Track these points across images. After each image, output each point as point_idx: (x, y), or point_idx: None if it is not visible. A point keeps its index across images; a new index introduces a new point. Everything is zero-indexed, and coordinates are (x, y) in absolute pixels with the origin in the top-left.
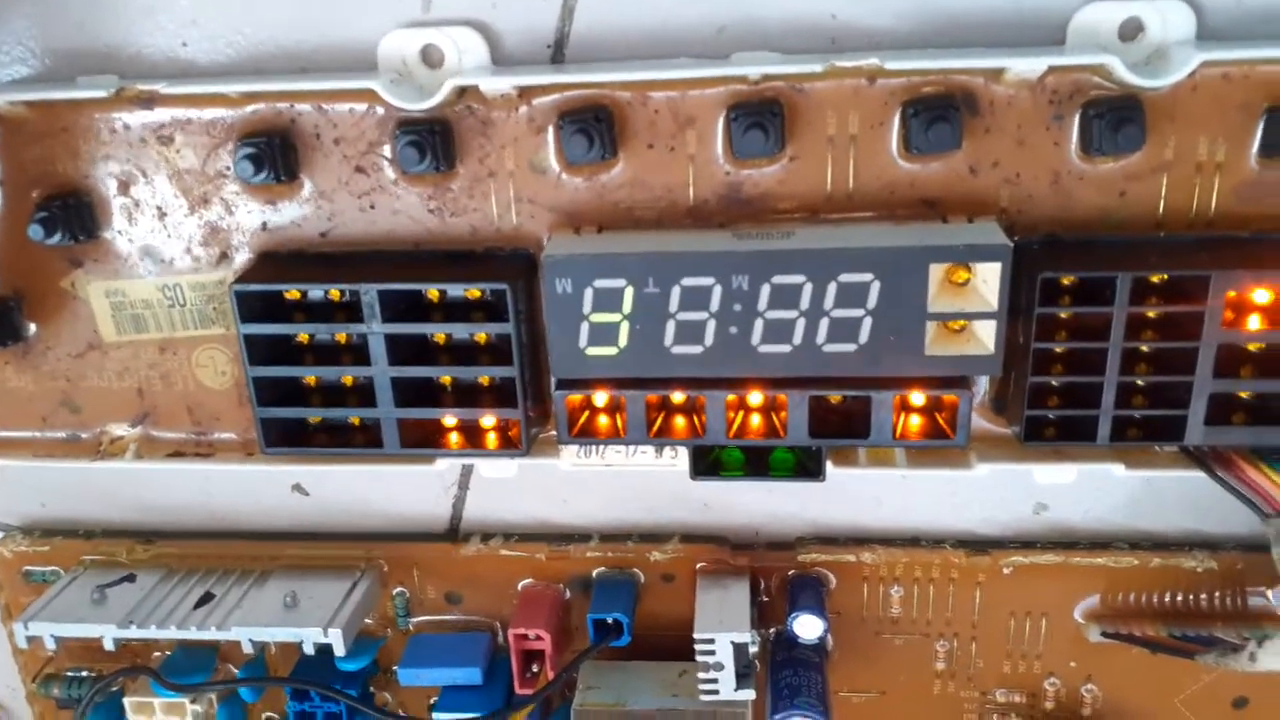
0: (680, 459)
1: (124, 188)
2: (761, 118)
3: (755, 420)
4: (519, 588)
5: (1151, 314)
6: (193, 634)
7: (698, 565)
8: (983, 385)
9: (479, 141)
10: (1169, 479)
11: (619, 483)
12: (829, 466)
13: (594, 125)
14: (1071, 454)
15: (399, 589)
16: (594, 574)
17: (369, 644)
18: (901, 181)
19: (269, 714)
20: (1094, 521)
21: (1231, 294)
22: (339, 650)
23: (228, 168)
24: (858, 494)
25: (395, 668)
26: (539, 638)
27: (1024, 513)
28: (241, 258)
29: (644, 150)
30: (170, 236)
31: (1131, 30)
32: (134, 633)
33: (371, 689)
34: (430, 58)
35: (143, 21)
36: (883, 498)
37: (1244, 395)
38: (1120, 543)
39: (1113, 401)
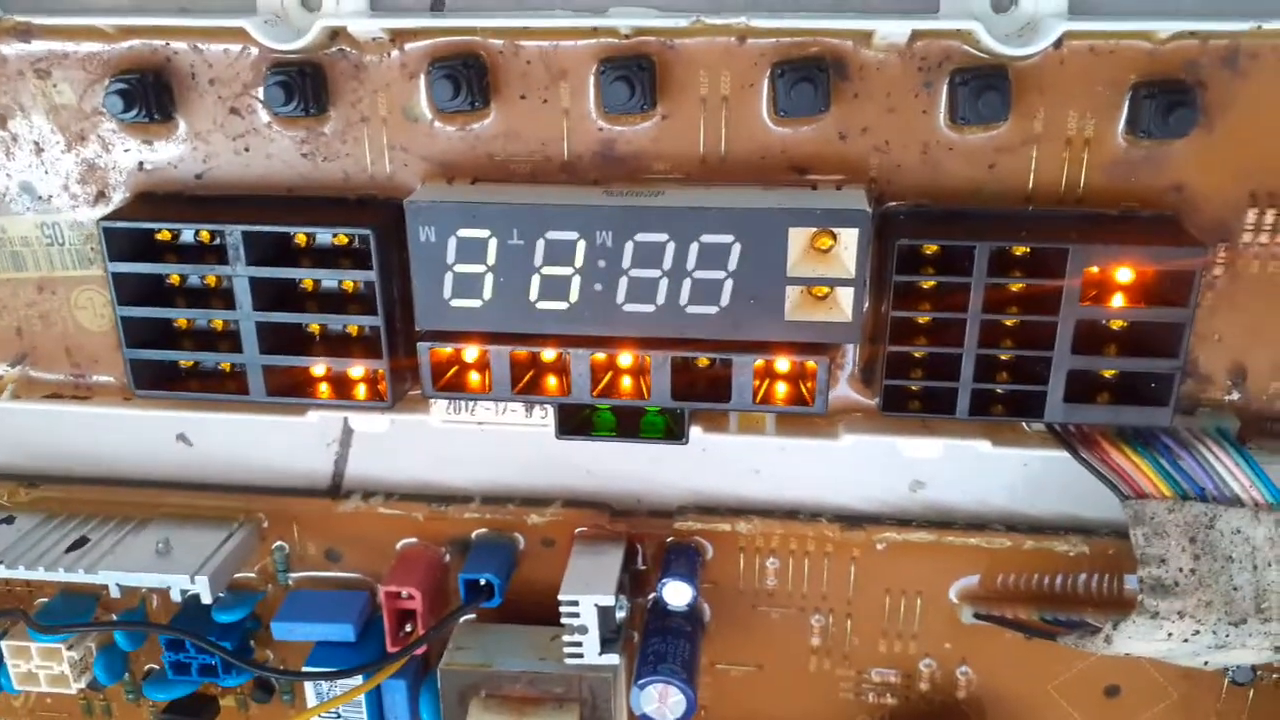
0: (552, 419)
1: (1, 121)
2: (629, 71)
3: (626, 381)
4: (398, 547)
5: (1013, 287)
6: (60, 576)
7: (576, 530)
8: (852, 356)
9: (351, 85)
10: (1044, 460)
11: (502, 446)
12: (700, 432)
13: (462, 72)
14: (936, 428)
15: (279, 543)
16: (473, 536)
17: (247, 597)
18: (773, 146)
19: (150, 664)
20: (971, 502)
21: (1093, 270)
22: (205, 598)
23: (104, 100)
24: (738, 464)
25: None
26: (410, 597)
27: (901, 490)
28: (119, 197)
29: (517, 101)
30: (48, 173)
31: (1004, 2)
32: (2, 573)
33: (252, 643)
34: (309, 2)
35: None
36: (762, 469)
37: (1107, 374)
38: (996, 524)
39: (972, 374)
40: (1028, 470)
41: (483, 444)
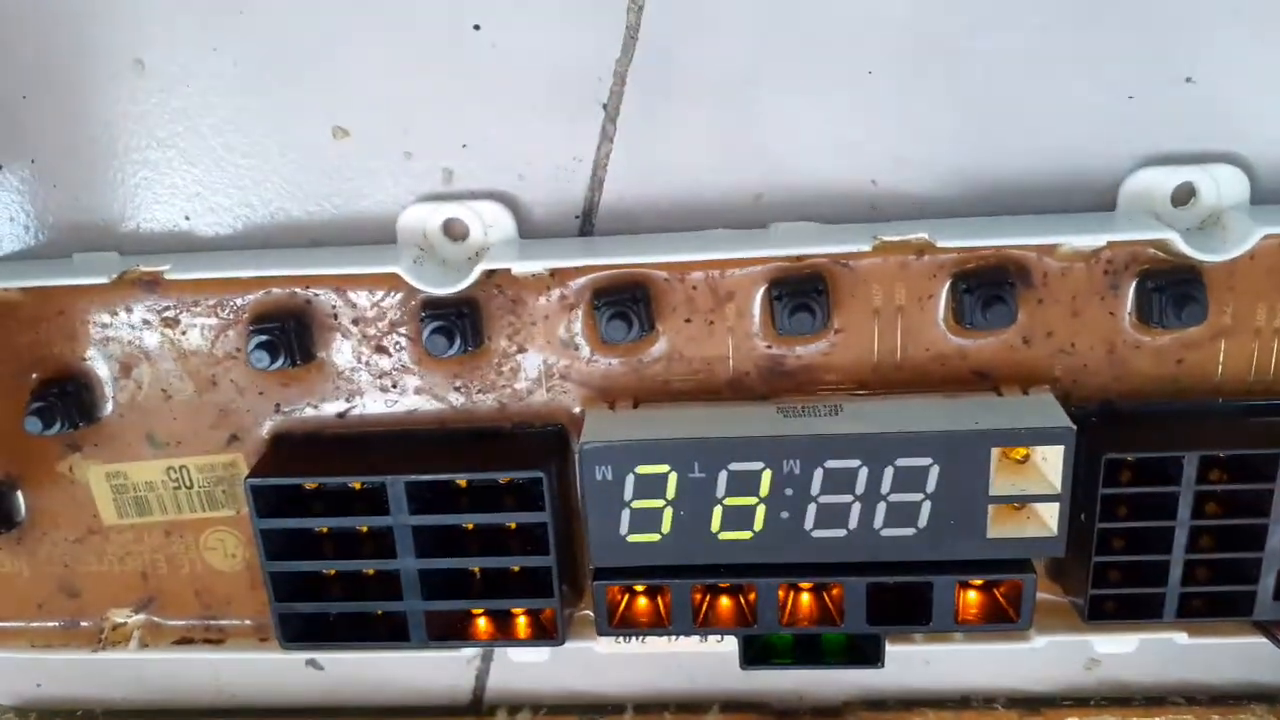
0: (725, 640)
1: (125, 370)
2: (807, 298)
3: (805, 600)
4: None
5: (1218, 489)
6: None
7: None
8: None
9: (508, 319)
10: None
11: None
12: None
13: (631, 306)
14: (1138, 626)
15: None
16: None
17: None
18: (951, 353)
19: None
20: (1147, 675)
21: None
22: None
23: (238, 349)
24: (906, 655)
25: None
26: None
27: (1076, 667)
28: (253, 439)
29: (681, 325)
30: (175, 419)
31: (1184, 195)
32: None
33: None
34: (453, 231)
35: (142, 194)
36: (932, 658)
37: None
38: (1176, 697)
39: (1179, 578)
40: (1209, 645)
41: (639, 656)
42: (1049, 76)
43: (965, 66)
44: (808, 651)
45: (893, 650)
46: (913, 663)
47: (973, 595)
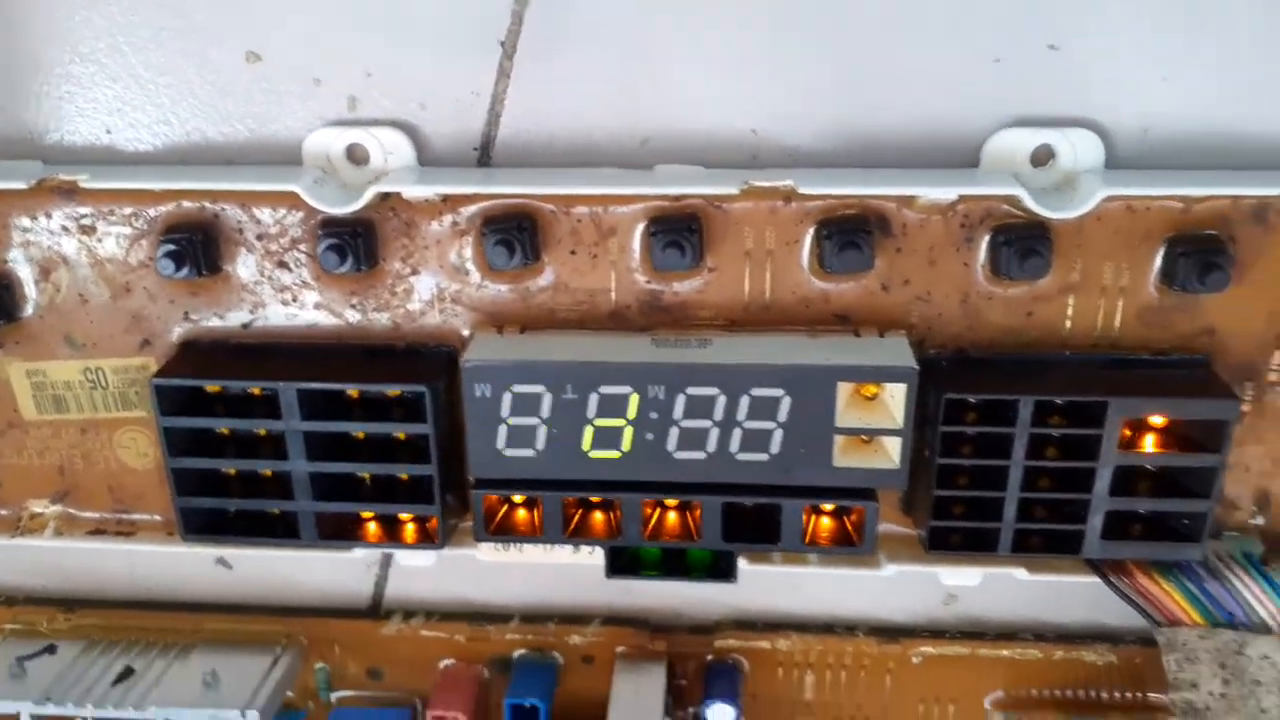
0: (598, 554)
1: (45, 273)
2: (679, 235)
3: (671, 518)
4: (440, 667)
5: (1053, 432)
6: (111, 713)
7: (618, 649)
8: None
9: (402, 241)
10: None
11: (543, 569)
12: (743, 563)
13: (516, 234)
14: (977, 559)
15: (320, 664)
16: (514, 655)
17: (290, 717)
18: (815, 296)
19: None
20: (1001, 613)
21: (1129, 419)
22: None
23: (150, 258)
24: (776, 580)
25: None
26: (457, 719)
27: (934, 602)
28: (164, 344)
29: (566, 256)
30: (92, 322)
31: (1043, 156)
32: (51, 710)
33: None
34: (356, 155)
35: (65, 107)
36: (800, 584)
37: (1141, 510)
38: (1026, 633)
39: (1014, 515)
40: (1056, 585)
41: (524, 568)
42: (920, 37)
43: (841, 25)
44: (673, 567)
45: (762, 575)
46: (782, 588)
47: (826, 521)
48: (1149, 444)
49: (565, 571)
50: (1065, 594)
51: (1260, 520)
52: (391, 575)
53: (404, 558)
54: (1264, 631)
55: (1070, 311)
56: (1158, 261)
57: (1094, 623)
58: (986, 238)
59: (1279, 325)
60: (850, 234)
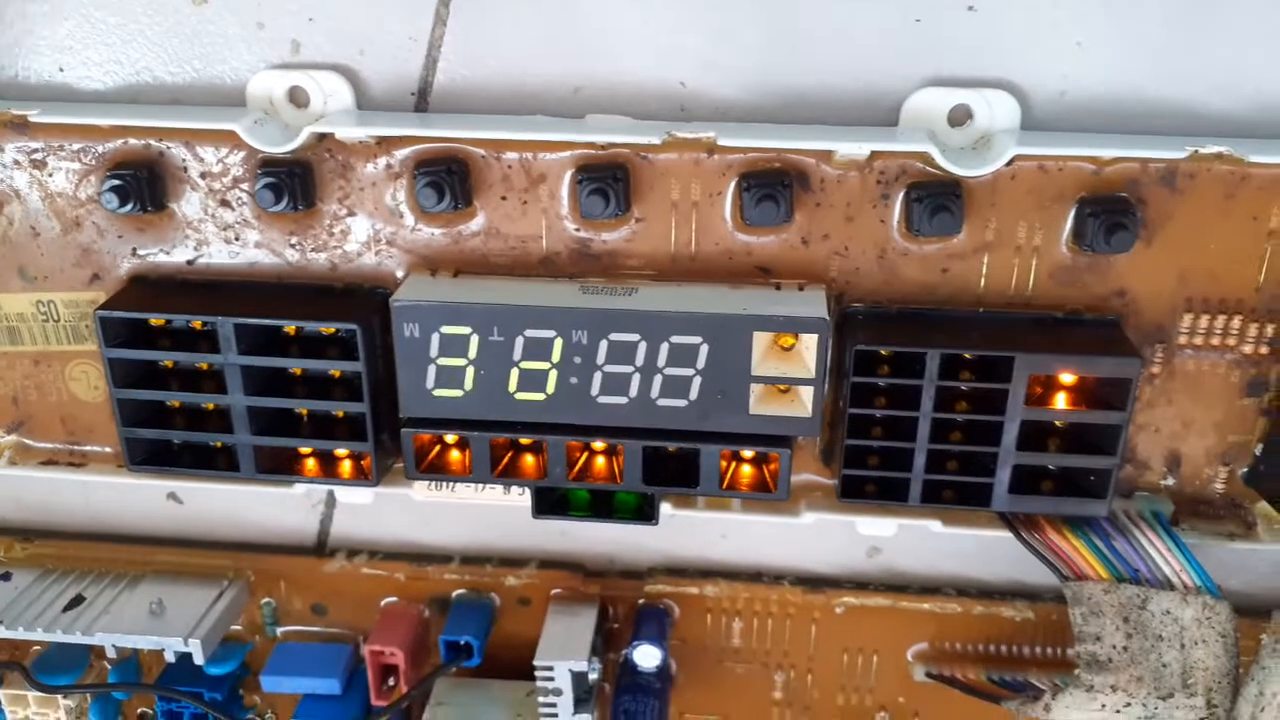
0: (529, 495)
1: None
2: (604, 183)
3: (599, 461)
4: (381, 604)
5: (963, 386)
6: (58, 637)
7: (552, 591)
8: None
9: (339, 183)
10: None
11: (480, 511)
12: (670, 509)
13: (446, 178)
14: (892, 509)
15: (266, 599)
16: (453, 595)
17: (236, 649)
18: (738, 249)
19: (142, 709)
20: (924, 567)
21: (1036, 374)
22: (198, 659)
23: (98, 193)
24: (706, 529)
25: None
26: (394, 654)
27: (859, 554)
28: (113, 279)
29: (498, 202)
30: (43, 255)
31: (960, 116)
32: (2, 633)
33: (241, 691)
34: (297, 98)
35: (20, 44)
36: (729, 534)
37: (1050, 466)
38: (948, 588)
39: (923, 466)
40: (978, 541)
41: (462, 510)
42: None
43: None
44: (600, 508)
45: (692, 522)
46: (712, 537)
47: (746, 469)
48: (1060, 402)
49: (504, 515)
50: (986, 551)
51: (1170, 481)
52: (336, 515)
53: (345, 495)
54: (1167, 588)
55: (985, 269)
56: (1069, 222)
57: (1015, 580)
58: (901, 194)
59: (1187, 288)
60: (768, 187)
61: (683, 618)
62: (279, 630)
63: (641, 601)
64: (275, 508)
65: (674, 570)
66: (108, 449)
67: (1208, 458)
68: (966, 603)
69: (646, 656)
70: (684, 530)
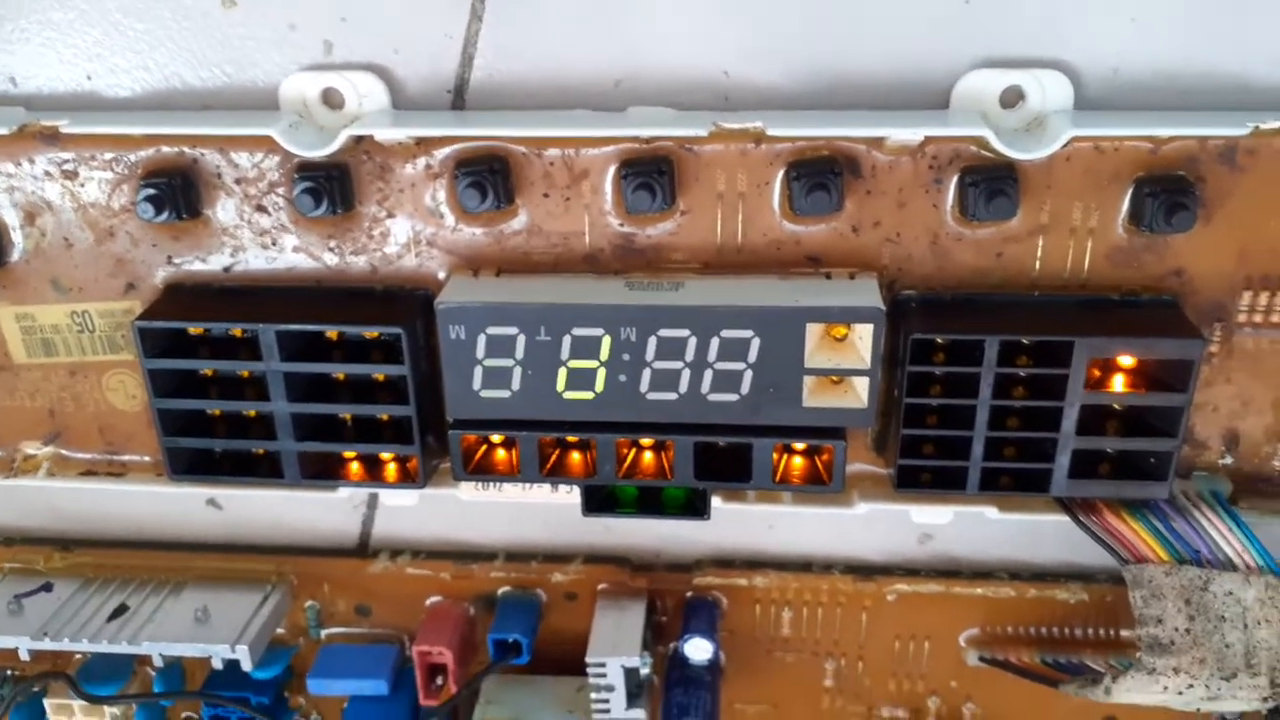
0: (578, 493)
1: (30, 218)
2: (650, 177)
3: (647, 457)
4: (426, 604)
5: (1021, 372)
6: (107, 648)
7: (599, 586)
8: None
9: (377, 185)
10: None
11: (523, 506)
12: (719, 502)
13: (488, 177)
14: (947, 497)
15: (310, 602)
16: (498, 593)
17: (281, 652)
18: (787, 239)
19: (187, 714)
20: (975, 552)
21: (1095, 358)
22: (246, 666)
23: (132, 202)
24: (752, 519)
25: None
26: (442, 654)
27: (909, 541)
28: (148, 288)
29: (540, 199)
30: (77, 266)
31: (1012, 98)
32: (48, 645)
33: (286, 693)
34: (331, 100)
35: (47, 53)
36: (776, 524)
37: (1109, 450)
38: (1000, 572)
39: (981, 454)
40: (1030, 525)
41: (505, 508)
42: None
43: None
44: (649, 505)
45: (739, 515)
46: (760, 528)
47: (798, 461)
48: (1118, 384)
49: (548, 511)
50: (1039, 533)
51: (1229, 460)
52: (378, 515)
53: (389, 497)
54: (1229, 568)
55: (1040, 252)
56: (1126, 202)
57: (1068, 562)
58: (955, 179)
59: (1247, 266)
60: (819, 176)
61: (731, 609)
62: (323, 633)
63: (689, 594)
64: (315, 510)
65: (721, 562)
66: (146, 458)
67: (1266, 435)
68: (1020, 586)
69: (698, 650)
70: (730, 522)
